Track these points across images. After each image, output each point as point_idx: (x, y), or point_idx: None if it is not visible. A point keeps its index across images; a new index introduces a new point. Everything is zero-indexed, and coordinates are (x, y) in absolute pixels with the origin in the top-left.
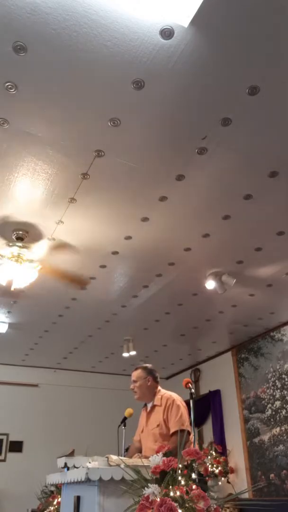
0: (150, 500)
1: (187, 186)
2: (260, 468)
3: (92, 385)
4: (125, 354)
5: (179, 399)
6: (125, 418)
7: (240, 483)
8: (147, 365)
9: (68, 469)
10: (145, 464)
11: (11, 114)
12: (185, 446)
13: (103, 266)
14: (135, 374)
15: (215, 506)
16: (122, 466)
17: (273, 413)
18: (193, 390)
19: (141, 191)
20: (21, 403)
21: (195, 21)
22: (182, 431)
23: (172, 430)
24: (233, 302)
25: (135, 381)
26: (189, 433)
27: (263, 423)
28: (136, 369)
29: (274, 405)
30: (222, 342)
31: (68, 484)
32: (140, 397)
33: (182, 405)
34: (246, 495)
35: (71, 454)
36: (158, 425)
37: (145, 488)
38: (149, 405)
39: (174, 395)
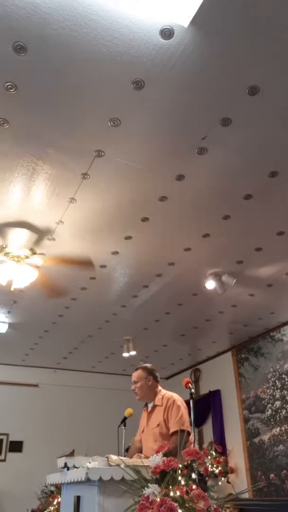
0: (150, 500)
1: (187, 186)
2: (260, 468)
3: (92, 385)
4: (125, 354)
5: (179, 400)
6: (125, 418)
7: (240, 483)
8: (147, 365)
9: (68, 469)
10: (145, 464)
11: (11, 114)
12: (185, 446)
13: (103, 266)
14: (136, 374)
15: (215, 506)
16: (122, 466)
17: (273, 413)
18: (193, 390)
19: (141, 191)
20: (21, 403)
21: (195, 21)
22: (182, 431)
23: (172, 430)
24: (233, 302)
25: (135, 382)
26: (189, 433)
27: (263, 423)
28: (136, 369)
29: (274, 405)
30: (222, 342)
31: (68, 484)
32: (142, 398)
33: (183, 406)
34: (246, 495)
35: (71, 454)
36: (158, 425)
37: (145, 488)
38: (150, 405)
39: (175, 395)
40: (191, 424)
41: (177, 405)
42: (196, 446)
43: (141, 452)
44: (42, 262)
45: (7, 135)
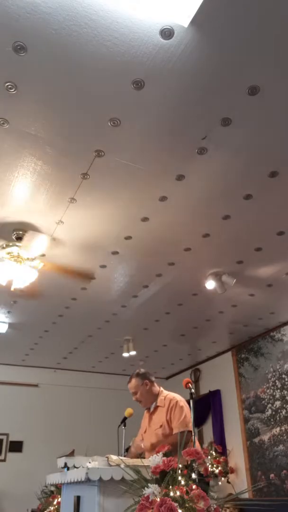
0: (150, 500)
1: (187, 186)
2: (260, 468)
3: (92, 385)
4: (125, 354)
5: (182, 400)
6: (125, 418)
7: (240, 483)
8: (138, 370)
9: (68, 469)
10: (145, 464)
11: (11, 114)
12: (185, 446)
13: (103, 266)
14: (132, 385)
15: (215, 506)
16: (122, 466)
17: (273, 413)
18: (193, 390)
19: (141, 191)
20: (21, 403)
21: (195, 21)
22: (183, 432)
23: (175, 431)
24: (233, 302)
25: (135, 393)
26: (191, 433)
27: (263, 423)
28: (130, 380)
29: (274, 405)
30: (222, 342)
31: (68, 484)
32: (145, 403)
33: (186, 407)
34: (246, 495)
35: (71, 454)
36: (161, 426)
37: (145, 488)
38: (152, 406)
39: (177, 396)
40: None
41: (180, 405)
42: (197, 445)
43: (142, 452)
44: (41, 265)
45: (7, 135)
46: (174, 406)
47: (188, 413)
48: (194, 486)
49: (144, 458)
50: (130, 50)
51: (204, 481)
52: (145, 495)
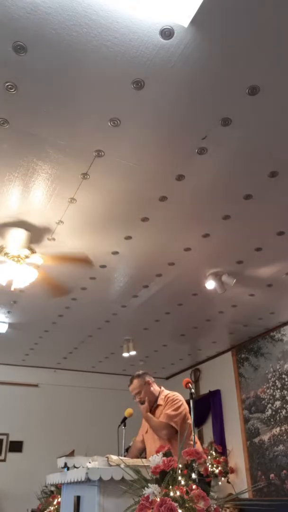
0: (150, 500)
1: (187, 186)
2: (260, 468)
3: (92, 385)
4: (125, 354)
5: (180, 397)
6: (125, 418)
7: (240, 483)
8: (138, 372)
9: (68, 469)
10: (145, 464)
11: (11, 114)
12: (170, 441)
13: (103, 266)
14: (135, 386)
15: (215, 506)
16: (122, 466)
17: (273, 413)
18: (193, 390)
19: (141, 191)
20: (21, 403)
21: (195, 21)
22: (170, 425)
23: (160, 420)
24: (233, 302)
25: (139, 392)
26: (176, 430)
27: (263, 423)
28: (131, 381)
29: (274, 405)
30: (222, 342)
31: (68, 484)
32: (149, 403)
33: (181, 402)
34: (246, 495)
35: (71, 454)
36: None
37: (145, 488)
38: (154, 406)
39: (176, 394)
40: (191, 424)
41: (172, 399)
42: (198, 445)
43: (141, 452)
44: (41, 261)
45: (7, 135)
46: (169, 401)
47: (181, 410)
48: (194, 486)
49: (144, 458)
50: (130, 50)
51: (204, 481)
52: (145, 495)
